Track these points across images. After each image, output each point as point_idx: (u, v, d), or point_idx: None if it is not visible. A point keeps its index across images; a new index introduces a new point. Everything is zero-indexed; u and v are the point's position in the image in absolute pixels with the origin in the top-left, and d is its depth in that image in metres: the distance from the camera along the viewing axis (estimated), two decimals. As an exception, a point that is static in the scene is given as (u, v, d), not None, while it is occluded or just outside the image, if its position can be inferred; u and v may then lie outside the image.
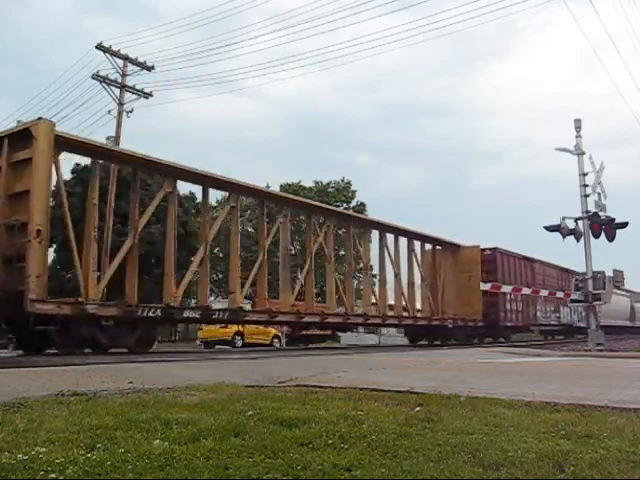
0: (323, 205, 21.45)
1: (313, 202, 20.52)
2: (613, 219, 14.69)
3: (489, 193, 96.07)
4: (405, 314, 21.50)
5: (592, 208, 14.79)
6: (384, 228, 21.35)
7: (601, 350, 13.63)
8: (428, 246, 23.79)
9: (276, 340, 25.22)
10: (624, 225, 14.78)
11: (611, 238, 14.59)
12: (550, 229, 15.11)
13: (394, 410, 3.76)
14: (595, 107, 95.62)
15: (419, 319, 22.31)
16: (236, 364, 8.93)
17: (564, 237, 14.85)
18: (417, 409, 3.78)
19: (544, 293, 25.23)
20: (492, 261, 24.77)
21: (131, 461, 2.43)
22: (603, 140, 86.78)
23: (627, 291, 34.64)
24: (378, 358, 10.79)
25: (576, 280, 15.57)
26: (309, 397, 4.34)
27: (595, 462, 2.47)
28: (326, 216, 19.00)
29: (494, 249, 25.16)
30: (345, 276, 20.90)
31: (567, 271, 31.03)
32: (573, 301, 15.86)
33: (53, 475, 2.23)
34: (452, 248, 24.26)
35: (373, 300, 20.87)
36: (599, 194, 14.88)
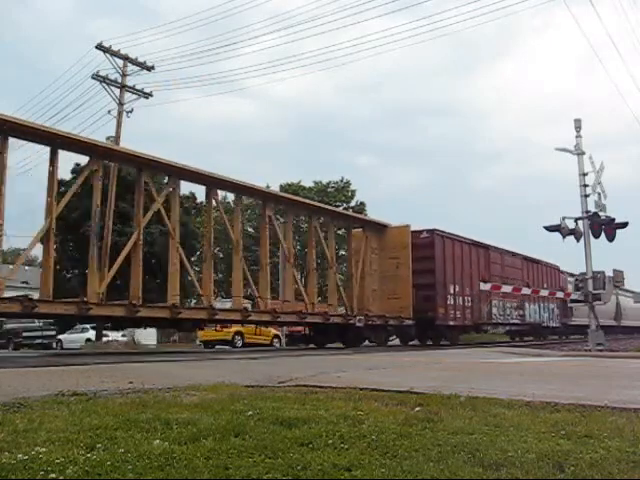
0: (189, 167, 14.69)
1: (179, 164, 14.44)
2: (613, 219, 14.70)
3: (489, 193, 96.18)
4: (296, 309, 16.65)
5: (592, 208, 14.79)
6: (270, 198, 17.01)
7: (601, 350, 13.64)
8: (342, 226, 20.43)
9: (276, 340, 25.22)
10: (624, 225, 14.79)
11: (611, 238, 14.60)
12: (550, 229, 15.12)
13: (394, 410, 3.76)
14: (595, 107, 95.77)
15: (309, 315, 16.73)
16: (236, 364, 8.93)
17: (564, 237, 14.86)
18: (417, 409, 3.78)
19: (507, 289, 21.38)
20: (429, 246, 20.23)
21: (131, 461, 2.43)
22: (603, 140, 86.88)
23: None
24: (378, 358, 10.79)
25: (576, 280, 15.57)
26: (309, 397, 4.34)
27: (595, 462, 2.47)
28: (171, 175, 14.60)
29: (432, 231, 20.58)
30: (203, 260, 15.99)
31: (535, 262, 27.47)
32: (573, 301, 15.87)
33: (53, 475, 2.23)
34: (376, 228, 20.08)
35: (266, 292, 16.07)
36: (599, 194, 14.89)
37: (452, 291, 20.72)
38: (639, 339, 25.76)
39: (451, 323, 20.70)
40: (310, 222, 18.28)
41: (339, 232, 23.96)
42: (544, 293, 23.83)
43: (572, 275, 31.42)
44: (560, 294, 24.45)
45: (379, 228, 20.07)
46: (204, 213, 15.90)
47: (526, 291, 22.17)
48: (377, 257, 19.61)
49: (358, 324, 17.84)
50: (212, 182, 15.37)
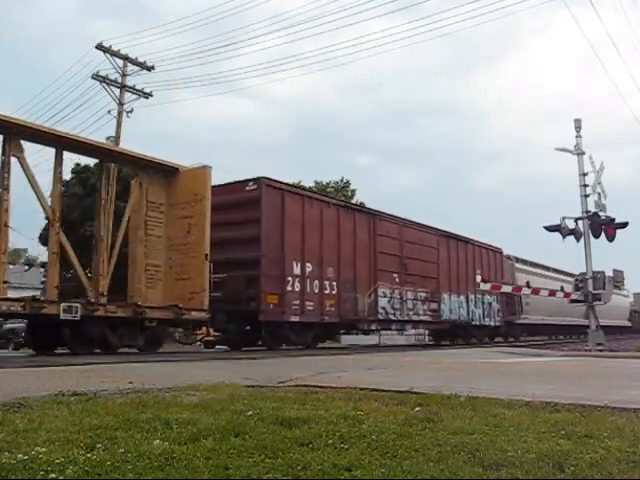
0: None
1: None
2: (613, 219, 14.71)
3: (489, 193, 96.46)
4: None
5: (592, 208, 14.81)
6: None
7: (601, 350, 13.65)
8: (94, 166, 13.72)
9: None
10: (624, 225, 14.80)
11: (611, 238, 14.61)
12: (550, 229, 15.13)
13: (394, 410, 3.76)
14: (595, 107, 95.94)
15: None
16: (236, 364, 8.93)
17: (564, 237, 14.87)
18: (417, 409, 3.78)
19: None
20: (253, 203, 13.60)
21: (131, 461, 2.43)
22: (603, 140, 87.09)
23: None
24: (378, 358, 10.80)
25: (576, 280, 15.58)
26: (309, 397, 4.34)
27: (595, 462, 2.47)
28: None
29: (258, 180, 13.73)
30: None
31: (462, 240, 21.37)
32: (573, 301, 15.89)
33: (53, 475, 2.23)
34: (160, 173, 12.97)
35: None
36: (599, 194, 14.91)
37: (298, 271, 14.24)
38: (621, 339, 25.38)
39: (294, 319, 14.26)
40: (5, 150, 10.97)
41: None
42: (485, 286, 19.46)
43: (553, 270, 29.95)
44: (507, 288, 20.08)
45: (166, 173, 13.03)
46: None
47: (465, 283, 17.89)
48: (163, 216, 12.88)
49: (65, 316, 10.86)
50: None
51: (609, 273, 15.16)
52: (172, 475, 2.29)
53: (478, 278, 20.49)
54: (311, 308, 14.67)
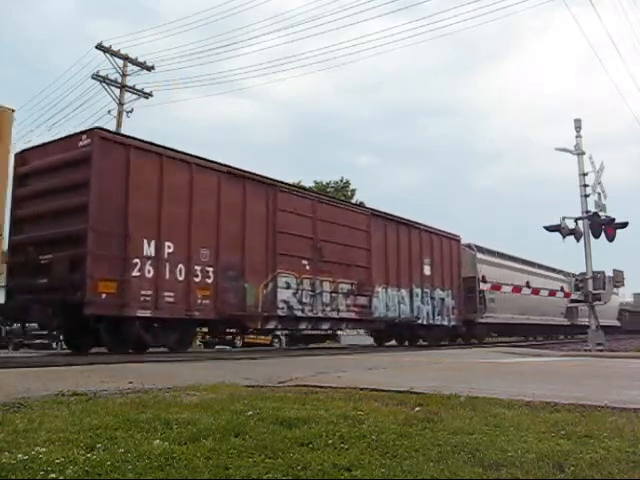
0: None
1: None
2: (613, 219, 14.72)
3: (489, 193, 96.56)
4: None
5: (592, 208, 14.82)
6: None
7: (601, 350, 13.65)
8: None
9: (276, 340, 25.19)
10: (624, 225, 14.81)
11: (611, 238, 14.62)
12: (550, 229, 15.14)
13: (394, 410, 3.76)
14: (595, 107, 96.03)
15: None
16: (236, 364, 8.92)
17: (564, 237, 14.88)
18: (417, 409, 3.78)
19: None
20: (84, 163, 10.35)
21: (131, 461, 2.42)
22: (603, 140, 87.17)
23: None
24: (378, 358, 10.79)
25: (576, 280, 15.60)
26: (309, 397, 4.34)
27: (595, 462, 2.47)
28: None
29: (92, 131, 10.55)
30: None
31: (406, 223, 17.60)
32: (573, 301, 15.90)
33: (53, 475, 2.23)
34: None
35: None
36: (599, 194, 14.93)
37: (151, 252, 10.91)
38: (613, 339, 25.11)
39: (143, 313, 10.84)
40: None
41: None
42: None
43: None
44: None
45: None
46: None
47: (407, 275, 15.60)
48: None
49: None
50: None
51: (609, 273, 15.19)
52: (172, 475, 2.28)
53: (426, 269, 18.24)
54: (171, 300, 11.18)
